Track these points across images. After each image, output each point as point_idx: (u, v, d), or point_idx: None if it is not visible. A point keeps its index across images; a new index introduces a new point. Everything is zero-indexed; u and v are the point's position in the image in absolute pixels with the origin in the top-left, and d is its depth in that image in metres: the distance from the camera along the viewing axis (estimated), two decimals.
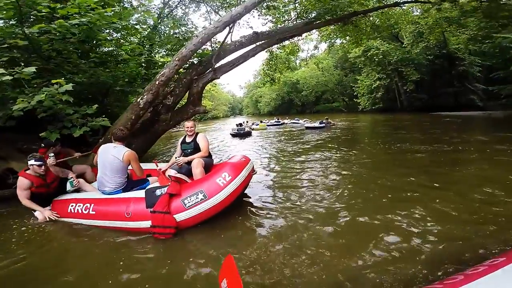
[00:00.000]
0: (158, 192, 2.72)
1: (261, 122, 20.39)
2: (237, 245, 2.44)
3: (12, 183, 4.08)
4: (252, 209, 3.24)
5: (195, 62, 6.51)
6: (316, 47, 17.34)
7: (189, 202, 2.63)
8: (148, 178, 3.38)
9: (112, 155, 3.02)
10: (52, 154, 3.43)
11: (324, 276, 1.89)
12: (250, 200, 3.58)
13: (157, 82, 4.96)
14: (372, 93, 25.47)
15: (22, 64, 4.03)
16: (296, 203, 3.32)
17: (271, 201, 3.46)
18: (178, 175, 3.11)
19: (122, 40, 6.63)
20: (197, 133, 3.58)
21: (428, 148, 6.39)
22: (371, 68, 24.95)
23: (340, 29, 10.56)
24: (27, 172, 3.13)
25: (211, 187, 2.72)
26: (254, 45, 7.14)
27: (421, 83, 22.56)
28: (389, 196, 3.38)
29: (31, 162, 3.04)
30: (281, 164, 5.87)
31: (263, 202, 3.46)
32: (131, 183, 3.22)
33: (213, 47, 7.40)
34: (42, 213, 3.15)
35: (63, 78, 3.85)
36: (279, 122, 21.02)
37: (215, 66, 6.27)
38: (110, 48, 5.98)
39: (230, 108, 72.50)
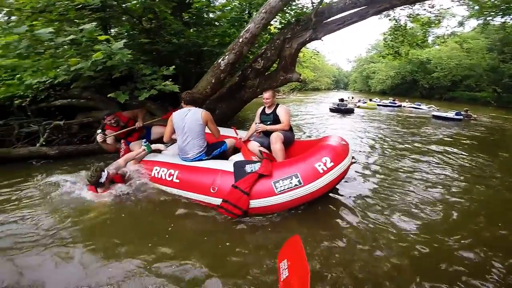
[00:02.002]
0: (248, 168, 2.45)
1: (370, 100, 17.73)
2: (308, 238, 2.15)
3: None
4: (338, 202, 2.87)
5: (292, 21, 5.27)
6: (461, 24, 13.02)
7: (281, 186, 2.31)
8: (225, 140, 3.25)
9: (190, 118, 2.93)
10: (100, 131, 3.26)
11: None
12: (339, 191, 3.13)
13: (240, 40, 4.16)
14: None
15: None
16: (390, 210, 2.78)
17: (362, 199, 3.00)
18: (263, 149, 2.96)
19: None
20: (277, 104, 3.35)
21: None
22: None
23: None
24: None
25: (308, 172, 2.36)
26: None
27: None
28: None
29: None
30: (386, 157, 4.88)
31: (352, 197, 3.02)
32: (210, 146, 3.10)
33: (313, 3, 5.72)
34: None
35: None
36: (395, 103, 17.67)
37: (316, 23, 4.79)
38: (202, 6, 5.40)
39: (334, 81, 68.02)
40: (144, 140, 3.29)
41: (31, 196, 2.88)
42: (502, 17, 9.59)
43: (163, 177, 2.84)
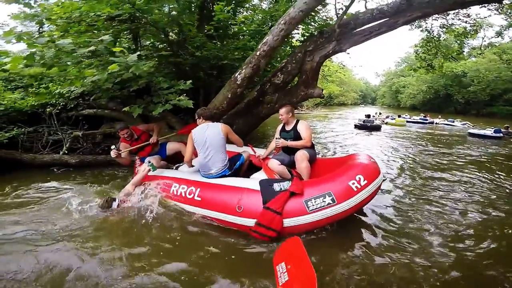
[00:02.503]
0: (276, 186, 2.39)
1: (399, 116, 16.89)
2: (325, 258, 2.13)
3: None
4: (361, 221, 2.84)
5: (315, 33, 5.09)
6: (499, 34, 11.95)
7: (313, 205, 2.25)
8: (241, 153, 3.23)
9: (211, 133, 2.89)
10: (114, 147, 3.25)
11: None
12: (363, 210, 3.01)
13: (257, 53, 4.03)
14: None
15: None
16: (414, 234, 2.64)
17: (385, 219, 2.93)
18: (280, 167, 2.94)
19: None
20: (297, 120, 3.24)
21: None
22: None
23: None
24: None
25: (342, 190, 2.31)
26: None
27: None
28: None
29: None
30: (413, 179, 4.56)
31: (376, 216, 2.99)
32: (230, 160, 3.04)
33: (338, 13, 5.40)
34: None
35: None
36: (427, 120, 16.69)
37: (340, 34, 4.51)
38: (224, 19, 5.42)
39: (361, 96, 66.19)
40: (148, 159, 3.26)
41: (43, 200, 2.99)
42: None
43: (183, 195, 2.75)
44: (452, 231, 2.72)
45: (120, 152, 3.27)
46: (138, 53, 3.19)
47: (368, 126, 11.88)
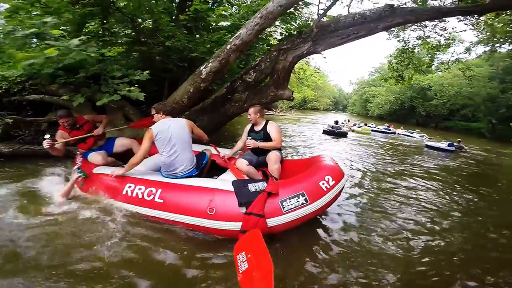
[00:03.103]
0: (251, 187, 2.32)
1: (365, 125, 17.68)
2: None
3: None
4: (319, 222, 2.91)
5: (294, 33, 4.89)
6: (467, 50, 12.97)
7: (287, 206, 2.26)
8: (204, 152, 3.08)
9: (176, 128, 2.65)
10: (48, 136, 2.78)
11: None
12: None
13: (228, 47, 3.74)
14: None
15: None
16: (372, 235, 2.79)
17: (343, 220, 3.05)
18: (250, 168, 2.93)
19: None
20: (267, 121, 3.19)
21: None
22: None
23: None
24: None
25: (314, 190, 2.38)
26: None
27: None
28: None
29: None
30: (375, 183, 4.87)
31: (334, 218, 3.08)
32: (197, 158, 2.87)
33: (319, 14, 5.22)
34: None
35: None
36: (389, 130, 17.70)
37: (317, 36, 4.33)
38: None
39: (334, 102, 68.53)
40: (77, 166, 2.84)
41: None
42: (510, 45, 9.46)
43: (140, 196, 2.44)
44: (401, 232, 2.92)
45: (54, 143, 2.78)
46: (82, 37, 2.84)
47: (335, 132, 12.27)
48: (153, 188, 2.44)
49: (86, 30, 5.20)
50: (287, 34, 5.16)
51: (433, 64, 11.93)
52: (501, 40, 8.87)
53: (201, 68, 3.82)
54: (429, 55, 9.72)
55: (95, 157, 3.05)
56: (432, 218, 3.46)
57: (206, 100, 4.92)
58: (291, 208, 2.25)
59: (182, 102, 3.90)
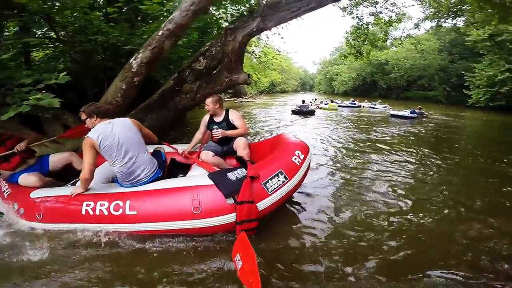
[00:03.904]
0: (231, 176, 2.21)
1: (331, 101, 18.09)
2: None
3: None
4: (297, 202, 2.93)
5: (246, 14, 4.55)
6: (416, 26, 13.87)
7: (271, 186, 2.22)
8: (158, 149, 2.78)
9: (122, 131, 2.26)
10: None
11: None
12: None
13: (160, 33, 3.32)
14: (494, 86, 19.37)
15: None
16: (345, 209, 2.84)
17: (317, 203, 2.97)
18: (218, 159, 2.82)
19: None
20: (227, 110, 3.09)
21: None
22: (498, 56, 19.24)
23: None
24: None
25: (289, 167, 2.38)
26: None
27: None
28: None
29: None
30: (346, 158, 4.91)
31: (307, 196, 3.11)
32: (156, 158, 2.60)
33: None
34: None
35: None
36: (355, 104, 18.41)
37: (266, 12, 4.02)
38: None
39: (301, 83, 69.50)
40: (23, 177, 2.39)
41: None
42: (453, 20, 10.07)
43: (106, 213, 2.11)
44: (376, 211, 2.84)
45: None
46: None
47: (303, 111, 12.54)
48: (119, 201, 2.14)
49: None
50: (238, 15, 4.84)
51: (388, 39, 12.32)
52: (445, 16, 9.33)
53: (131, 60, 3.34)
54: (383, 31, 9.99)
55: (28, 178, 2.51)
56: (406, 189, 3.44)
57: (153, 96, 4.41)
58: (274, 189, 2.22)
59: (116, 101, 3.41)
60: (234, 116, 3.00)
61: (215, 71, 4.65)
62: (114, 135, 2.19)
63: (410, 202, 3.02)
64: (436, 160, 4.90)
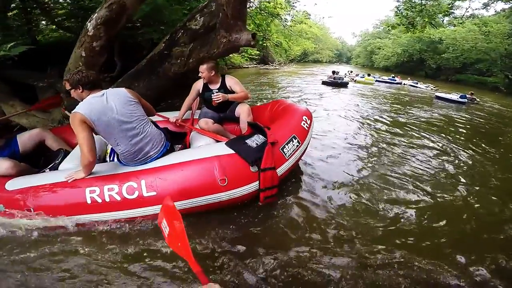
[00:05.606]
0: (251, 143, 2.14)
1: (368, 75, 16.44)
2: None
3: None
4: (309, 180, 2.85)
5: None
6: (485, 6, 11.70)
7: (288, 151, 2.25)
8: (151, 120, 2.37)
9: (120, 103, 1.90)
10: None
11: None
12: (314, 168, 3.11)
13: None
14: None
15: None
16: (365, 191, 2.72)
17: (332, 180, 2.87)
18: (218, 126, 2.74)
19: None
20: (223, 76, 2.87)
21: None
22: None
23: None
24: None
25: (300, 131, 2.44)
26: None
27: None
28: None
29: None
30: (377, 137, 4.58)
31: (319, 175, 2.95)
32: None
33: None
34: None
35: None
36: (395, 80, 17.00)
37: None
38: None
39: (337, 55, 66.24)
40: None
41: None
42: None
43: (119, 198, 1.83)
44: (395, 199, 2.66)
45: None
46: None
47: (336, 83, 11.76)
48: (133, 183, 1.85)
49: None
50: None
51: (451, 13, 10.42)
52: None
53: (87, 23, 2.76)
54: (450, 2, 8.23)
55: None
56: (433, 179, 3.15)
57: (142, 61, 3.70)
58: (291, 153, 2.27)
59: (81, 71, 2.84)
60: (232, 82, 2.84)
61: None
62: (111, 109, 1.84)
63: (427, 196, 2.76)
64: (476, 154, 4.27)
